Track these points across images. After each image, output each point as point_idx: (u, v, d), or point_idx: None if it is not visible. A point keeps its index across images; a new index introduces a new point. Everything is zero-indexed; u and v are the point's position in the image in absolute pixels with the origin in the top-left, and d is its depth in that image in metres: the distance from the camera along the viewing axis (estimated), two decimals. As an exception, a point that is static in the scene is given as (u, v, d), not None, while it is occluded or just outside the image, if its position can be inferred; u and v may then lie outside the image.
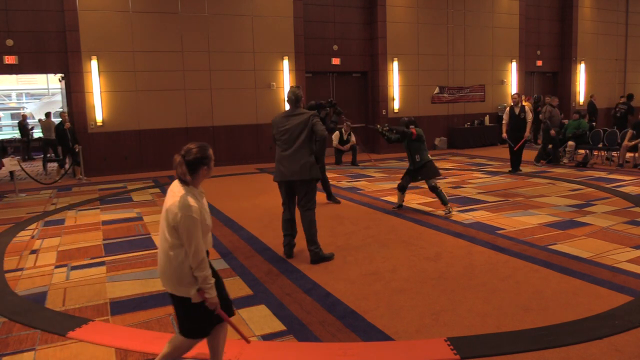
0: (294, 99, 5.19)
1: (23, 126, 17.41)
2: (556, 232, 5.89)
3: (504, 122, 10.53)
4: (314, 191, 5.16)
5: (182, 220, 2.56)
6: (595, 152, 11.97)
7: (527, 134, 10.16)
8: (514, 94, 10.56)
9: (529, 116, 10.17)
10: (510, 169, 10.59)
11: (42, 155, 17.18)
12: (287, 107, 5.34)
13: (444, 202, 6.90)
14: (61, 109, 15.33)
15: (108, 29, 11.75)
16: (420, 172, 7.02)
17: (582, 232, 5.86)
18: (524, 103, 10.63)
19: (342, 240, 5.84)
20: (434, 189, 6.90)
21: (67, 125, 11.03)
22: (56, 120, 19.60)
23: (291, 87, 5.39)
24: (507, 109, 10.53)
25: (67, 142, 11.16)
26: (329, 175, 10.94)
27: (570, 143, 11.52)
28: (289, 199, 5.27)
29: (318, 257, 5.11)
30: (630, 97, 14.49)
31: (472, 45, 16.17)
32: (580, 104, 18.19)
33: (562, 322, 3.57)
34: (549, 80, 19.04)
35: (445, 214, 6.84)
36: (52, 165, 14.40)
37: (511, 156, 10.55)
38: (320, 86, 14.70)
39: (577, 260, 4.89)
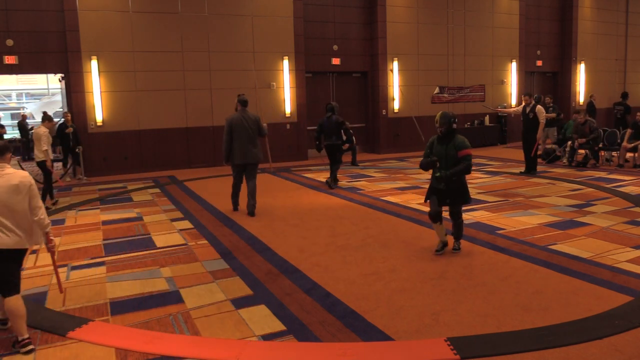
0: (244, 101, 7.32)
1: (23, 126, 17.44)
2: (556, 232, 5.89)
3: (513, 109, 10.42)
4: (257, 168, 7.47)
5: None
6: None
7: (539, 135, 10.04)
8: (525, 96, 10.35)
9: (541, 116, 9.92)
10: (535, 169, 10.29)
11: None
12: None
13: (458, 235, 5.36)
14: (61, 109, 15.34)
15: (108, 29, 11.75)
16: (452, 194, 5.18)
17: (582, 232, 5.86)
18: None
19: (342, 240, 5.84)
20: (458, 216, 5.32)
21: (70, 130, 11.01)
22: (57, 119, 19.67)
23: (240, 94, 7.55)
24: (522, 105, 10.36)
25: (67, 142, 11.17)
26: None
27: (570, 143, 11.51)
28: (242, 174, 7.38)
29: (254, 209, 7.30)
30: (624, 95, 14.50)
31: (472, 45, 16.17)
32: (580, 104, 18.19)
33: (562, 322, 3.58)
34: (549, 80, 19.04)
35: (454, 250, 5.33)
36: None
37: (525, 156, 10.41)
38: (320, 86, 14.70)
39: (577, 260, 4.89)
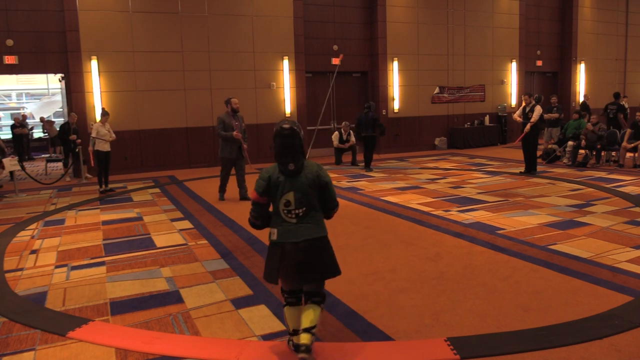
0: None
1: (23, 126, 17.43)
2: (556, 232, 5.89)
3: (515, 114, 10.48)
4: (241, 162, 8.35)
5: None
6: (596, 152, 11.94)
7: (527, 129, 10.04)
8: (525, 96, 10.36)
9: (535, 114, 9.92)
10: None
11: (42, 155, 17.25)
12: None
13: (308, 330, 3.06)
14: (61, 109, 15.36)
15: (108, 29, 11.75)
16: (303, 267, 3.10)
17: (582, 232, 5.85)
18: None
19: (342, 240, 5.84)
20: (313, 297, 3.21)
21: (73, 137, 11.03)
22: (58, 119, 19.69)
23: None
24: (520, 108, 10.43)
25: (69, 143, 11.18)
26: (329, 175, 10.98)
27: (570, 143, 11.52)
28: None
29: (245, 196, 8.31)
30: (616, 95, 14.51)
31: (472, 45, 16.17)
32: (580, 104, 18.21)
33: (562, 322, 3.57)
34: (549, 80, 19.05)
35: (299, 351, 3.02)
36: (53, 166, 14.39)
37: (525, 156, 10.42)
38: (320, 86, 14.70)
39: (577, 260, 4.89)
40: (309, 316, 3.07)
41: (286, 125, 3.08)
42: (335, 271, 3.21)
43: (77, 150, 11.05)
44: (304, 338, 3.00)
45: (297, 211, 3.04)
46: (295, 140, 3.05)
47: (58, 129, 11.86)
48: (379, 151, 14.90)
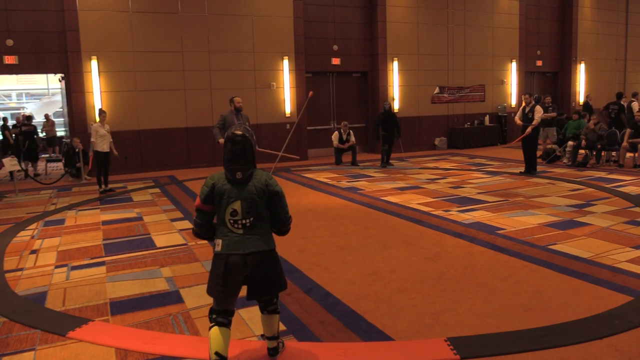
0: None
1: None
2: (556, 232, 5.89)
3: (516, 117, 10.50)
4: None
5: None
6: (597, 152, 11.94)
7: (529, 130, 10.06)
8: (525, 95, 10.38)
9: (536, 115, 9.99)
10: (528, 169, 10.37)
11: (42, 155, 17.24)
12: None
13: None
14: (61, 109, 15.33)
15: (108, 29, 11.75)
16: (250, 282, 2.95)
17: (582, 232, 5.85)
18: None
19: (342, 240, 5.84)
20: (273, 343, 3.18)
21: (80, 165, 11.05)
22: (58, 119, 19.66)
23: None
24: (520, 108, 10.45)
25: (76, 167, 11.24)
26: (329, 175, 10.99)
27: (570, 143, 11.53)
28: None
29: None
30: (619, 95, 14.51)
31: (472, 45, 16.17)
32: (580, 104, 18.19)
33: (562, 322, 3.57)
34: (549, 80, 19.05)
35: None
36: (53, 166, 14.39)
37: (525, 156, 10.42)
38: (320, 86, 14.70)
39: (577, 260, 4.89)
40: (270, 326, 3.15)
41: (238, 132, 2.94)
42: (282, 287, 3.07)
43: (76, 150, 11.06)
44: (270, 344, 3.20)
45: (244, 221, 2.89)
46: (247, 148, 2.92)
47: (63, 154, 12.01)
48: (379, 151, 14.91)
